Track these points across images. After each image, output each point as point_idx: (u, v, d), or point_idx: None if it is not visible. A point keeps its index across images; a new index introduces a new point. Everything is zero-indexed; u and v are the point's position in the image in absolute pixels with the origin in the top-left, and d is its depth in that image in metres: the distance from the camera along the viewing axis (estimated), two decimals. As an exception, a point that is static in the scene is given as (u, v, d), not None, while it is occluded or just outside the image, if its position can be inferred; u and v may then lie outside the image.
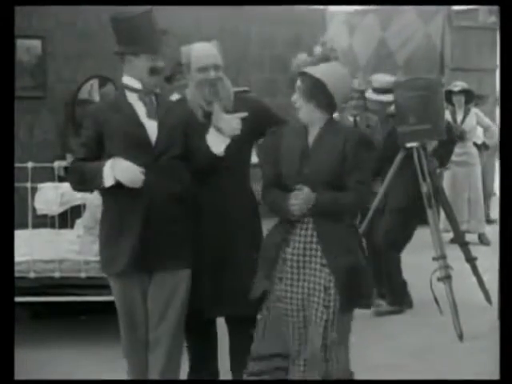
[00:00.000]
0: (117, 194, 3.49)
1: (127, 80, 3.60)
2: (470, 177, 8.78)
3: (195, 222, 3.68)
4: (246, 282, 3.61)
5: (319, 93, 3.48)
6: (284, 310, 3.50)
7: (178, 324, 3.63)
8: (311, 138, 3.55)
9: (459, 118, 8.61)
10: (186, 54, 3.76)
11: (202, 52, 3.74)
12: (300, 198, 3.42)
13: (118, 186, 3.44)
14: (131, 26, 3.50)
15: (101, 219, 3.68)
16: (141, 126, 3.54)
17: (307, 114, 3.53)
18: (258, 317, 3.58)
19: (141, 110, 3.57)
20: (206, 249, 3.70)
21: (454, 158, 8.13)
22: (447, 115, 8.32)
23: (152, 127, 3.55)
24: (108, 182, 3.44)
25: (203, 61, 3.72)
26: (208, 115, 3.69)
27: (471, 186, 8.81)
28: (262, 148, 3.66)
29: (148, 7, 3.57)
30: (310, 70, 3.49)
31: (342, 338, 3.46)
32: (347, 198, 3.46)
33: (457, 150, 8.26)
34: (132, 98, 3.58)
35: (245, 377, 3.58)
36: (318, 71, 3.48)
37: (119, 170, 3.43)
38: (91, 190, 3.92)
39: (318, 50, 3.60)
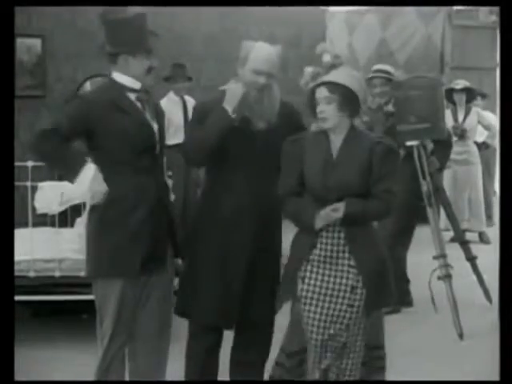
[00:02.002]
0: (121, 190, 3.47)
1: (125, 80, 3.52)
2: (470, 175, 8.77)
3: (218, 224, 3.65)
4: (263, 290, 3.64)
5: (351, 100, 3.45)
6: (302, 311, 3.49)
7: (170, 323, 3.73)
8: (334, 147, 3.51)
9: (460, 116, 8.61)
10: (245, 49, 3.63)
11: (262, 55, 3.60)
12: (329, 215, 3.40)
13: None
14: (125, 27, 3.45)
15: (97, 218, 3.55)
16: (151, 130, 3.52)
17: (337, 123, 3.48)
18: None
19: (144, 112, 3.54)
20: (218, 248, 3.66)
21: (454, 156, 8.13)
22: (448, 114, 8.32)
23: (155, 129, 3.55)
24: (79, 185, 3.42)
25: (260, 64, 3.60)
26: (244, 120, 3.63)
27: (472, 185, 8.81)
28: (283, 155, 3.59)
29: (142, 9, 3.52)
30: (335, 78, 3.44)
31: (366, 338, 3.51)
32: (376, 208, 3.47)
33: (457, 148, 8.27)
34: (132, 98, 3.53)
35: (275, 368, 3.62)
36: (342, 78, 3.44)
37: (97, 190, 3.42)
38: (51, 168, 3.81)
39: (326, 58, 3.59)
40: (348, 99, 3.44)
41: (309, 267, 3.50)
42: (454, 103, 8.59)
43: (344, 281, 3.45)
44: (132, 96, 3.53)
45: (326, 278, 3.47)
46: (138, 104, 3.54)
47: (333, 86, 3.43)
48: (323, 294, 3.46)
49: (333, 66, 3.53)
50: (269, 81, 3.62)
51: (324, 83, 3.46)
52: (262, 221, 3.68)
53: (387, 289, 3.56)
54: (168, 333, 3.74)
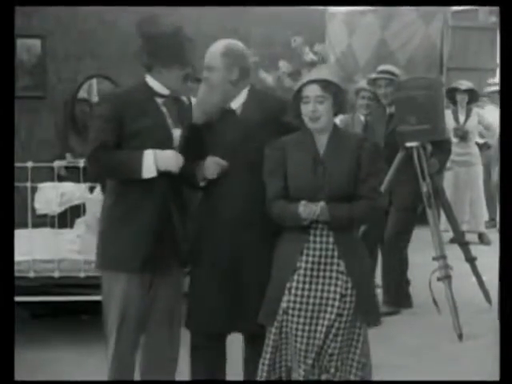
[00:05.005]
0: (129, 190, 3.52)
1: (154, 84, 3.58)
2: (471, 177, 8.73)
3: (209, 227, 3.64)
4: (258, 296, 3.53)
5: (340, 99, 3.42)
6: (290, 323, 3.39)
7: (179, 325, 3.74)
8: (321, 146, 3.45)
9: (461, 117, 8.55)
10: (245, 53, 3.67)
11: (208, 50, 3.67)
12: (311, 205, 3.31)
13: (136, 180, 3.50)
14: (163, 42, 3.51)
15: (106, 215, 3.65)
16: (170, 134, 3.57)
17: (327, 122, 3.43)
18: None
19: (167, 117, 3.59)
20: (219, 258, 3.60)
21: (456, 158, 8.12)
22: (449, 114, 8.30)
23: (176, 135, 3.59)
24: (149, 173, 3.46)
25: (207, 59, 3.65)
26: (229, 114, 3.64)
27: (473, 186, 8.77)
28: (266, 160, 3.53)
29: (178, 24, 3.59)
30: (326, 76, 3.40)
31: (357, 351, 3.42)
32: (363, 208, 3.40)
33: (459, 150, 8.26)
34: (158, 102, 3.59)
35: None
36: (332, 77, 3.41)
37: (169, 161, 3.47)
38: (118, 178, 3.72)
39: (308, 56, 3.56)
40: (338, 98, 3.41)
41: (295, 277, 3.39)
42: (454, 103, 8.55)
43: (333, 288, 3.36)
44: (159, 100, 3.59)
45: (313, 287, 3.37)
46: (163, 108, 3.59)
47: (326, 84, 3.38)
48: (311, 304, 3.36)
49: (314, 64, 3.49)
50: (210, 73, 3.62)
51: (316, 81, 3.39)
52: (257, 226, 3.59)
53: (373, 299, 3.51)
54: (177, 334, 3.74)
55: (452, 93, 8.28)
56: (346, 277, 3.37)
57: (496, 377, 3.33)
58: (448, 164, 8.26)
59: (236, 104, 3.65)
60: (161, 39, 3.52)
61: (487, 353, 4.75)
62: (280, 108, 3.65)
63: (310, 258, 3.39)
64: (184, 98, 3.81)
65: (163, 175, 3.53)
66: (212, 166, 3.57)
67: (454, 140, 8.40)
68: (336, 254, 3.38)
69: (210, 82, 3.63)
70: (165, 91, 3.59)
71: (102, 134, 3.50)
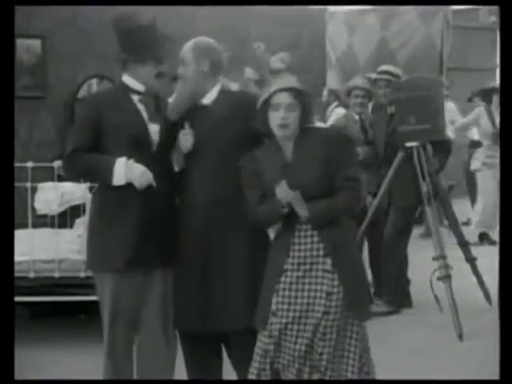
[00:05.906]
0: (115, 190, 3.53)
1: (130, 82, 3.64)
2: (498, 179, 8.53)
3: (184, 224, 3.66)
4: (232, 295, 3.55)
5: (308, 109, 3.44)
6: (278, 325, 3.38)
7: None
8: (288, 152, 3.47)
9: (497, 119, 8.23)
10: (215, 47, 3.73)
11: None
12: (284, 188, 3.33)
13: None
14: (135, 36, 3.56)
15: (94, 215, 3.69)
16: (145, 129, 3.59)
17: (294, 130, 3.44)
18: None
19: (143, 112, 3.62)
20: (193, 254, 3.61)
21: (487, 160, 8.05)
22: (483, 114, 8.21)
23: (153, 130, 3.61)
24: (118, 181, 3.49)
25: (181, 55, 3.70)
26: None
27: (497, 189, 8.59)
28: (242, 173, 3.54)
29: (150, 15, 3.62)
30: (296, 85, 3.42)
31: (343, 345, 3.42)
32: (340, 199, 3.40)
33: (491, 152, 8.18)
34: (134, 99, 3.63)
35: None
36: (300, 86, 3.43)
37: (135, 175, 3.48)
38: (92, 182, 3.82)
39: (276, 64, 3.57)
40: (306, 108, 3.43)
41: (283, 278, 3.41)
42: (488, 102, 8.35)
43: (319, 287, 3.36)
44: (135, 97, 3.63)
45: (300, 287, 3.38)
46: (140, 105, 3.62)
47: (296, 93, 3.40)
48: (299, 304, 3.37)
49: (279, 71, 3.51)
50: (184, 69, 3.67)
51: (287, 89, 3.40)
52: (230, 210, 3.61)
53: (362, 295, 3.49)
54: (173, 334, 3.75)
55: (489, 93, 8.16)
56: (331, 274, 3.37)
57: (496, 377, 3.33)
58: (479, 166, 8.24)
59: (208, 100, 3.68)
60: (132, 34, 3.56)
61: (487, 353, 4.74)
62: (250, 100, 3.64)
63: (296, 260, 3.41)
64: (164, 95, 3.83)
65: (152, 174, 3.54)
66: (185, 138, 3.60)
67: (487, 142, 8.32)
68: (321, 252, 3.40)
69: (184, 76, 3.67)
70: (140, 88, 3.64)
71: (78, 137, 3.57)
